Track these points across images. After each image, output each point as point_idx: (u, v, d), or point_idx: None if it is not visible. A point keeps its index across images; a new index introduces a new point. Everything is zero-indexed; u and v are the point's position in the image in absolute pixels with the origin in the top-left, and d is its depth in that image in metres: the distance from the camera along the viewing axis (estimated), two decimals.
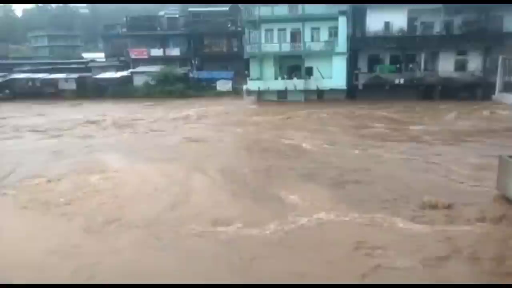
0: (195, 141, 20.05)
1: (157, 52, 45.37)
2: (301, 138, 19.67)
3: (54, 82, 42.87)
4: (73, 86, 42.48)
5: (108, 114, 29.32)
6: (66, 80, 42.72)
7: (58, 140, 21.04)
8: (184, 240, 9.27)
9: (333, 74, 33.64)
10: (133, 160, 16.32)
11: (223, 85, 40.65)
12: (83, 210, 11.19)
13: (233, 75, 41.56)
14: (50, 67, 46.70)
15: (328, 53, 33.58)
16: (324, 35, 34.07)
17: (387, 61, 34.11)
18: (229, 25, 47.00)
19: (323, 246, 8.81)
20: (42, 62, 52.30)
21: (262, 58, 34.71)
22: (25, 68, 46.89)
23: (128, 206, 11.42)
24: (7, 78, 43.30)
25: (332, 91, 33.58)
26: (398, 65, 33.42)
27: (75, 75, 43.09)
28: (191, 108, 31.38)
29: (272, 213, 10.44)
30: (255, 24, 34.27)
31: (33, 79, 43.66)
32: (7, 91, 42.36)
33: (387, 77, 32.89)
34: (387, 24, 33.17)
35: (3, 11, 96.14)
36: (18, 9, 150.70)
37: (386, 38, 33.09)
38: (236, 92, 39.18)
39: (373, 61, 34.11)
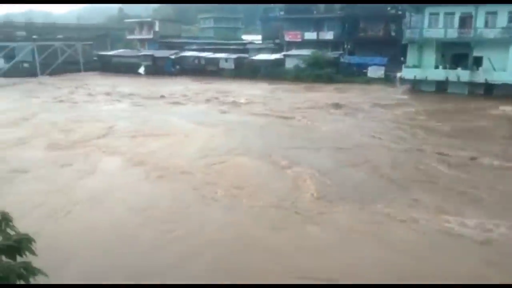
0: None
1: (310, 35, 45.58)
2: None
3: (215, 61, 46.86)
4: (231, 65, 45.76)
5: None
6: (226, 60, 46.28)
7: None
8: None
9: (509, 67, 29.06)
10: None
11: (375, 72, 38.70)
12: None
13: (386, 61, 39.26)
14: (213, 47, 51.15)
15: (504, 42, 29.11)
16: (502, 20, 29.53)
17: None
18: (388, 8, 44.31)
19: None
20: (207, 42, 57.53)
21: (422, 44, 31.99)
22: (193, 47, 52.25)
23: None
24: (179, 55, 49.10)
25: (505, 86, 29.05)
26: None
27: (234, 56, 46.32)
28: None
29: None
30: (419, 7, 31.55)
31: (198, 57, 48.46)
32: (177, 66, 48.15)
33: None
34: None
35: None
36: None
37: None
38: (388, 79, 36.95)
39: None
